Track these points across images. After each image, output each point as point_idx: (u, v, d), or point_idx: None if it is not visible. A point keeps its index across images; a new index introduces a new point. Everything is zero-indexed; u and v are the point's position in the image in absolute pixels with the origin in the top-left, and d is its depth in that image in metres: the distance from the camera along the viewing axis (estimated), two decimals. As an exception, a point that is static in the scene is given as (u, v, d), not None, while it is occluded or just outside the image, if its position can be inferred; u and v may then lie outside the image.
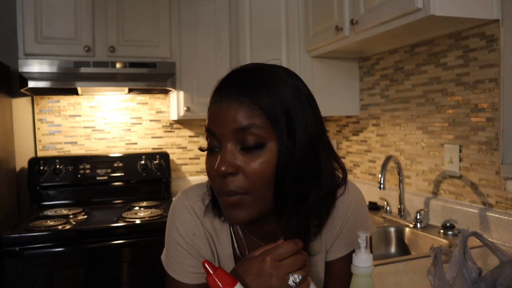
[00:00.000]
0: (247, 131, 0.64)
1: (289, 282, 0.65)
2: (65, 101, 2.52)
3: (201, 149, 0.71)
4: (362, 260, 0.65)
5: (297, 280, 0.65)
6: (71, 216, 2.07)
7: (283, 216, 0.71)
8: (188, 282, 0.76)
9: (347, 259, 0.79)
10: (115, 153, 2.53)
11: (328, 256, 0.82)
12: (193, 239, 0.76)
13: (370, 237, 0.79)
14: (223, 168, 0.64)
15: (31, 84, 2.09)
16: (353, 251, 0.77)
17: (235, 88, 0.65)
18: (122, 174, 2.45)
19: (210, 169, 0.68)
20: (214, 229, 0.77)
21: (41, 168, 2.32)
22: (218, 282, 0.61)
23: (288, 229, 0.71)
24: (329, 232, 0.79)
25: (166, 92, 2.58)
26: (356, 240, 0.64)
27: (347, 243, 0.80)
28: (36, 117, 2.47)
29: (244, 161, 0.65)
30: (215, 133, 0.66)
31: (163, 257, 0.81)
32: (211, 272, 0.62)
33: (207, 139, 0.69)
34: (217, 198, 0.71)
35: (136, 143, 2.65)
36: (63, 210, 2.17)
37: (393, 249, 1.74)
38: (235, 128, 0.64)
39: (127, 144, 2.63)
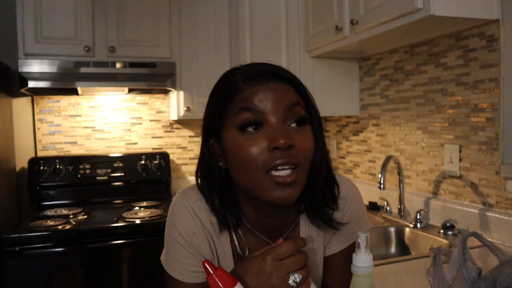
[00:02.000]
0: (296, 107, 0.68)
1: (289, 282, 0.65)
2: (65, 101, 2.52)
3: (245, 127, 0.67)
4: (362, 260, 0.65)
5: (298, 280, 0.65)
6: (71, 216, 2.07)
7: (306, 197, 0.75)
8: (188, 281, 0.76)
9: (345, 253, 0.81)
10: (115, 153, 2.53)
11: (327, 251, 0.83)
12: (192, 238, 0.76)
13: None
14: (282, 141, 0.64)
15: (31, 84, 2.09)
16: (351, 245, 0.79)
17: (275, 73, 0.70)
18: (122, 174, 2.45)
19: (253, 147, 0.65)
20: (213, 228, 0.77)
21: (41, 168, 2.32)
22: (218, 282, 0.61)
23: (309, 210, 0.76)
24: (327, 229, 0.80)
25: (166, 92, 2.58)
26: (356, 240, 0.64)
27: (345, 237, 0.81)
28: (36, 117, 2.47)
29: (295, 135, 0.67)
30: (262, 109, 0.66)
31: (162, 257, 0.81)
32: (211, 272, 0.62)
33: (239, 122, 0.67)
34: (255, 182, 0.67)
35: (136, 143, 2.65)
36: (63, 210, 2.17)
37: (393, 249, 1.74)
38: (287, 104, 0.67)
39: (127, 144, 2.63)
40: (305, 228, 0.81)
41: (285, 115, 0.67)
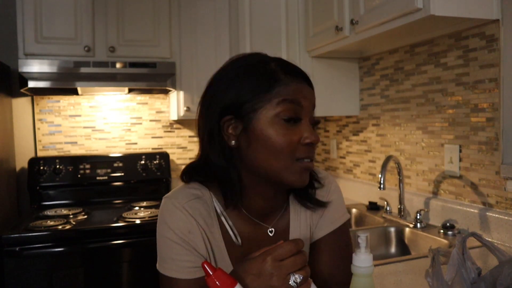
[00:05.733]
0: (314, 109, 0.79)
1: (290, 282, 0.65)
2: (65, 101, 2.52)
3: (289, 119, 0.73)
4: (362, 260, 0.66)
5: (298, 281, 0.65)
6: (71, 216, 2.07)
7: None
8: (187, 278, 0.77)
9: (333, 235, 0.87)
10: (115, 153, 2.53)
11: (315, 235, 0.88)
12: (189, 236, 0.77)
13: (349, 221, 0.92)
14: (314, 139, 0.74)
15: (31, 84, 2.09)
16: (337, 230, 0.88)
17: (305, 75, 0.79)
18: (122, 174, 2.45)
19: (292, 137, 0.73)
20: (206, 224, 0.79)
21: (41, 168, 2.32)
22: (218, 283, 0.61)
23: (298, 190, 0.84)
24: (314, 213, 0.88)
25: (166, 92, 2.58)
26: (356, 240, 0.64)
27: (332, 220, 0.88)
28: (36, 117, 2.47)
29: None
30: (303, 106, 0.75)
31: (158, 266, 0.81)
32: (211, 273, 0.62)
33: (282, 111, 0.73)
34: (284, 166, 0.74)
35: (136, 143, 2.65)
36: (63, 210, 2.17)
37: (393, 249, 1.74)
38: (314, 105, 0.78)
39: (127, 144, 2.63)
40: (295, 212, 0.86)
41: (311, 115, 0.77)
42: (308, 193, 0.85)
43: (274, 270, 0.65)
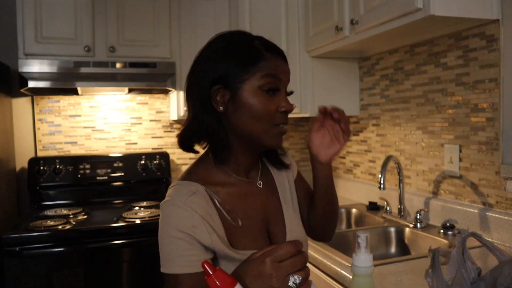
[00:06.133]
0: (289, 82, 0.90)
1: (289, 284, 0.65)
2: (65, 101, 2.52)
3: (270, 90, 0.84)
4: (362, 260, 0.66)
5: (297, 281, 0.65)
6: (71, 216, 2.07)
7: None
8: (195, 271, 0.77)
9: (298, 172, 1.09)
10: (115, 153, 2.52)
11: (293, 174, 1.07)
12: (194, 230, 0.79)
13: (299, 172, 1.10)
14: (290, 107, 0.86)
15: (31, 84, 2.09)
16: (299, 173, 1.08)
17: (281, 51, 0.90)
18: (122, 174, 2.45)
19: (271, 106, 0.84)
20: (208, 214, 0.81)
21: (41, 168, 2.32)
22: (218, 283, 0.61)
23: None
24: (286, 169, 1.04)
25: (166, 92, 2.58)
26: (356, 240, 0.64)
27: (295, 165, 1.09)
28: (36, 117, 2.47)
29: None
30: (281, 79, 0.86)
31: (162, 268, 0.81)
32: (211, 273, 0.62)
33: (265, 84, 0.83)
34: (264, 130, 0.85)
35: (136, 143, 2.65)
36: (63, 210, 2.17)
37: (393, 249, 1.74)
38: (289, 78, 0.89)
39: (127, 144, 2.63)
40: (272, 169, 1.00)
41: (287, 87, 0.89)
42: (275, 154, 1.01)
43: (273, 271, 0.65)
